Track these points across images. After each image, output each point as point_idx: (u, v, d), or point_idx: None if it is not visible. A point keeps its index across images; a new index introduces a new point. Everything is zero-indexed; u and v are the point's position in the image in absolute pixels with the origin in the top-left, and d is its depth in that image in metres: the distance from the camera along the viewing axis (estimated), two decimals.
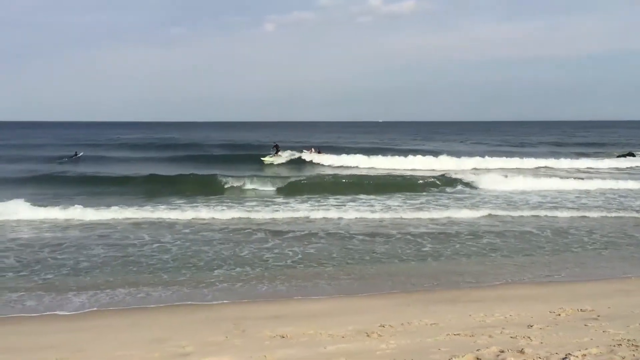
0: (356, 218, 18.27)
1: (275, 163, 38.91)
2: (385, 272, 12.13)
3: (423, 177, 28.23)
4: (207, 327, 8.21)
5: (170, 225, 17.06)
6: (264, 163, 38.84)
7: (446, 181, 27.25)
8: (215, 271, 12.17)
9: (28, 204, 18.73)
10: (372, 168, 36.87)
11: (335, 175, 29.27)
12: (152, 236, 15.48)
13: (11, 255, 13.48)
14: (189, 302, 10.20)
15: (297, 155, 40.75)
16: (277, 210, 19.49)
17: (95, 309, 9.89)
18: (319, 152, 41.64)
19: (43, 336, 8.24)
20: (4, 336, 8.29)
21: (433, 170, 34.58)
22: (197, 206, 20.07)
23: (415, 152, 44.54)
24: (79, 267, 12.44)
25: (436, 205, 21.25)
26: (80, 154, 42.89)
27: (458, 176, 28.35)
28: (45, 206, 18.99)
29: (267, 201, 22.00)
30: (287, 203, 21.36)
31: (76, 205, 18.95)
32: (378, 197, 23.08)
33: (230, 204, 21.03)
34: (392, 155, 41.49)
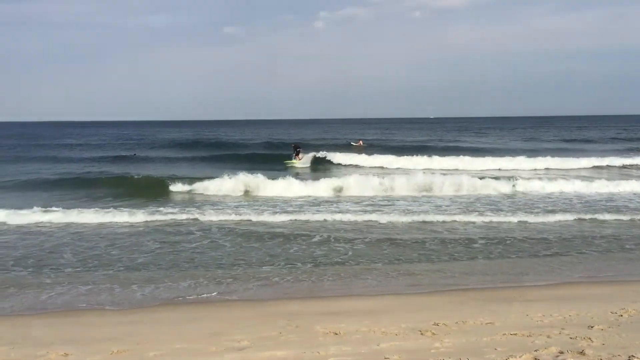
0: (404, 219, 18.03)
1: (297, 165, 35.38)
2: (437, 270, 12.01)
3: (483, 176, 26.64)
4: (262, 323, 8.32)
5: (220, 225, 17.22)
6: (286, 165, 35.61)
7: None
8: (264, 267, 12.34)
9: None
10: (400, 168, 34.18)
11: (386, 174, 28.81)
12: (204, 233, 15.82)
13: (68, 250, 14.03)
14: (243, 298, 10.39)
15: (321, 155, 37.34)
16: (319, 212, 19.12)
17: (156, 303, 10.19)
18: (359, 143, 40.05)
19: (104, 328, 8.53)
20: (67, 327, 8.63)
21: (499, 169, 32.84)
22: (242, 209, 20.17)
23: (469, 150, 42.45)
24: (136, 263, 12.85)
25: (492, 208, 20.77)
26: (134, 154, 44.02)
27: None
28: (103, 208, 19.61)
29: (311, 202, 21.98)
30: (332, 203, 21.21)
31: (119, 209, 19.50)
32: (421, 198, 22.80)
33: (272, 204, 21.13)
34: (430, 154, 37.52)
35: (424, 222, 17.34)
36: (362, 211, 19.10)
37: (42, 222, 17.52)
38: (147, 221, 17.64)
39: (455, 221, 17.37)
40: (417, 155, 37.33)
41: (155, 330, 8.27)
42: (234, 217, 18.03)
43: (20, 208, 18.88)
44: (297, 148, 37.02)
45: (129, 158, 42.10)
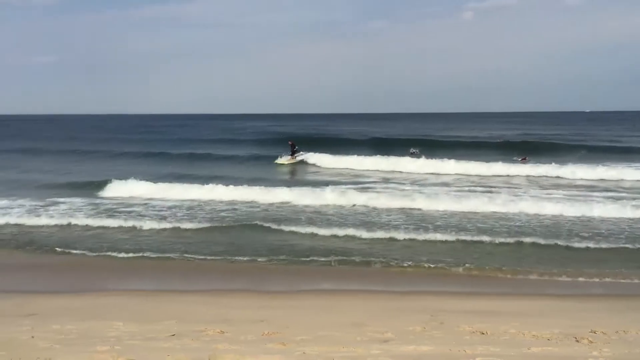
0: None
1: (285, 163, 32.40)
2: (594, 274, 11.19)
3: None
4: (404, 316, 8.31)
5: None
6: (280, 165, 32.40)
7: None
8: (405, 262, 12.30)
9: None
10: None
11: None
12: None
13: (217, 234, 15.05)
14: (382, 289, 10.49)
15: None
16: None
17: (301, 289, 10.63)
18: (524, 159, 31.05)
19: (255, 310, 9.04)
20: (221, 308, 9.25)
21: None
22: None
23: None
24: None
25: None
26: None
27: None
28: None
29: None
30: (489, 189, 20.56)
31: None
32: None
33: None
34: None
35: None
36: None
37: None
38: None
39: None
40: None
41: (299, 316, 8.60)
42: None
43: None
44: (294, 146, 33.51)
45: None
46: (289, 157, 32.91)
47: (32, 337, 7.01)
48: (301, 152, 33.37)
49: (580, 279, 11.04)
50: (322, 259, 12.55)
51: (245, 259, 12.72)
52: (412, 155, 37.32)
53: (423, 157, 31.70)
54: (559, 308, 8.99)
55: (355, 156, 31.80)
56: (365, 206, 18.51)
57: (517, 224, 15.77)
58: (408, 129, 66.55)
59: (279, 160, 32.91)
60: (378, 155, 31.63)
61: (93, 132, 68.43)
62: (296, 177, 28.31)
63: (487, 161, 29.14)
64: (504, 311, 8.70)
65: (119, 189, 21.64)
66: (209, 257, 12.88)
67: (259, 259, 12.67)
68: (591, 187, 22.61)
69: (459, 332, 7.35)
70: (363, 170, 29.42)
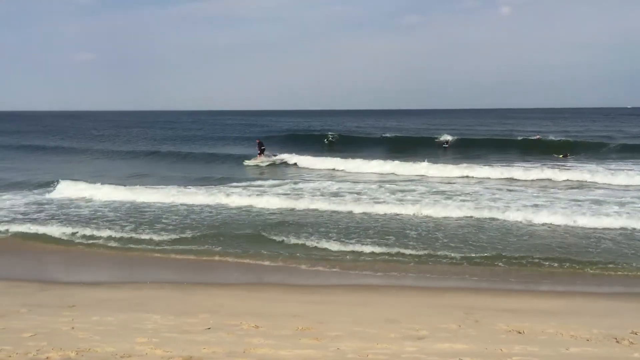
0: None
1: (252, 164, 31.30)
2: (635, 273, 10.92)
3: None
4: (438, 313, 8.25)
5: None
6: (246, 166, 31.34)
7: None
8: (443, 259, 12.19)
9: None
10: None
11: None
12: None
13: (247, 224, 15.14)
14: (414, 285, 10.44)
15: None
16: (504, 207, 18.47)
17: (332, 283, 10.65)
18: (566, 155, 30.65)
19: (287, 304, 9.09)
20: (255, 301, 9.35)
21: None
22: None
23: None
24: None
25: None
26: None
27: None
28: None
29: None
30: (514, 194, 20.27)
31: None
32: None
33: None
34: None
35: None
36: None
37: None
38: None
39: None
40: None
41: (332, 311, 8.60)
42: None
43: None
44: (262, 146, 32.43)
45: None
46: (257, 157, 31.79)
47: (73, 328, 7.19)
48: (275, 153, 32.56)
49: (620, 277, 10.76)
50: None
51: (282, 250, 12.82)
52: (443, 145, 37.40)
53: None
54: (598, 307, 8.80)
55: (338, 159, 30.50)
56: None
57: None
58: (433, 125, 66.14)
59: (248, 162, 31.76)
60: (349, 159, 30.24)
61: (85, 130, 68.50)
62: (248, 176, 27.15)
63: (526, 159, 28.30)
64: (540, 309, 8.55)
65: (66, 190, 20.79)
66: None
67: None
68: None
69: (494, 330, 7.26)
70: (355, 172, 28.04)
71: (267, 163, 31.06)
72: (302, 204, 17.96)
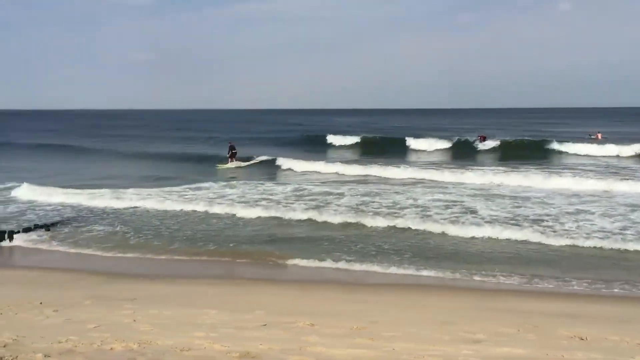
0: None
1: (228, 167, 30.21)
2: None
3: None
4: (495, 317, 8.07)
5: None
6: (218, 168, 30.18)
7: None
8: (498, 264, 11.93)
9: None
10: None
11: None
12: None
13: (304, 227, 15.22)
14: (466, 287, 10.27)
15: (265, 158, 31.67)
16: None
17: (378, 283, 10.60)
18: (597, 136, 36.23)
19: (340, 303, 9.10)
20: (310, 300, 9.40)
21: None
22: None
23: None
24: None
25: None
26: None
27: None
28: None
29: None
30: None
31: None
32: None
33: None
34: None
35: None
36: None
37: None
38: None
39: None
40: None
41: (386, 311, 8.54)
42: None
43: None
44: (233, 149, 31.06)
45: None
46: (229, 160, 30.71)
47: (134, 320, 7.43)
48: (254, 156, 31.91)
49: None
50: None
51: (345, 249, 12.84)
52: (479, 141, 37.21)
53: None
54: None
55: (323, 162, 29.65)
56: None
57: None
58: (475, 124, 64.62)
59: (221, 165, 30.53)
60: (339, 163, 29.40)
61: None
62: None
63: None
64: (602, 315, 8.26)
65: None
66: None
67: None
68: None
69: (555, 336, 7.04)
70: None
71: (234, 166, 30.10)
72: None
